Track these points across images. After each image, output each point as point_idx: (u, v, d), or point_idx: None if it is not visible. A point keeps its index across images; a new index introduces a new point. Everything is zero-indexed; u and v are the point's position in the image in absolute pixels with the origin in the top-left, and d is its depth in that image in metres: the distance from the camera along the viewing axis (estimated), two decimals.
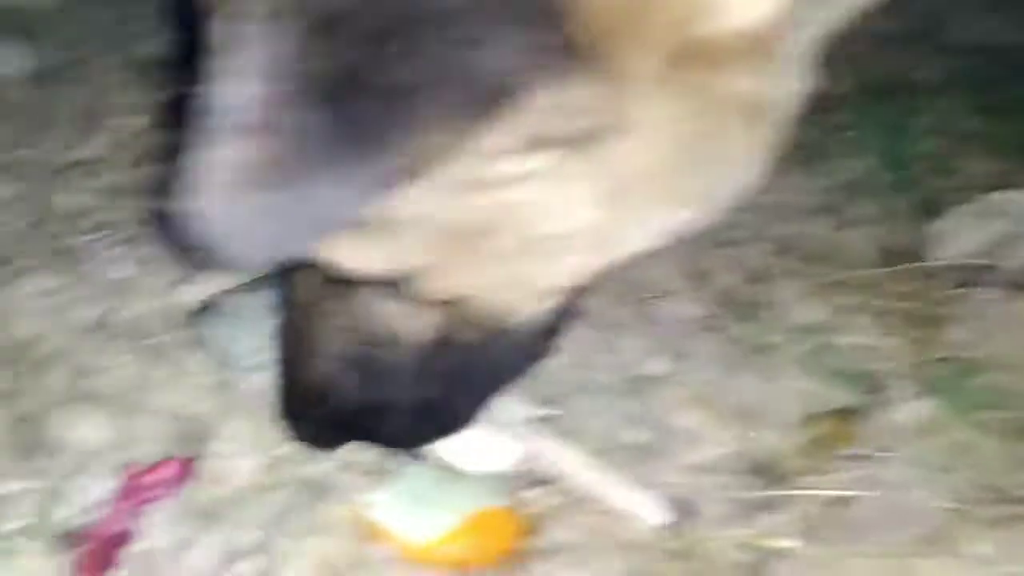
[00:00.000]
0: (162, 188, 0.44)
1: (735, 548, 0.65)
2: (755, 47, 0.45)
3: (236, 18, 0.36)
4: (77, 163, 1.02)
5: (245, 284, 0.82)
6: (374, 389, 0.62)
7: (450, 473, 0.66)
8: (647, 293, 0.87)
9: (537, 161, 0.44)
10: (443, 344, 0.58)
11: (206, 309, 0.82)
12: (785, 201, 1.01)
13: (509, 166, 0.44)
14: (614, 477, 0.68)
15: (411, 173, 0.39)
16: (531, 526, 0.65)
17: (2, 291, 0.83)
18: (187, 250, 0.39)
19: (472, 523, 0.62)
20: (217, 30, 0.37)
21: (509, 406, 0.69)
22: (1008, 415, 0.75)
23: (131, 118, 1.07)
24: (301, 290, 0.62)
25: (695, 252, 0.90)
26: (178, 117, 0.44)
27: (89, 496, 0.65)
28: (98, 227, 0.93)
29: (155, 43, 1.15)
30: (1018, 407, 0.75)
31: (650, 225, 0.51)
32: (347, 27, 0.36)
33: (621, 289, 0.85)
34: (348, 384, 0.61)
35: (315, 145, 0.36)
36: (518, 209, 0.47)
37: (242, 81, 0.35)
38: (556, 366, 0.71)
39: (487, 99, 0.38)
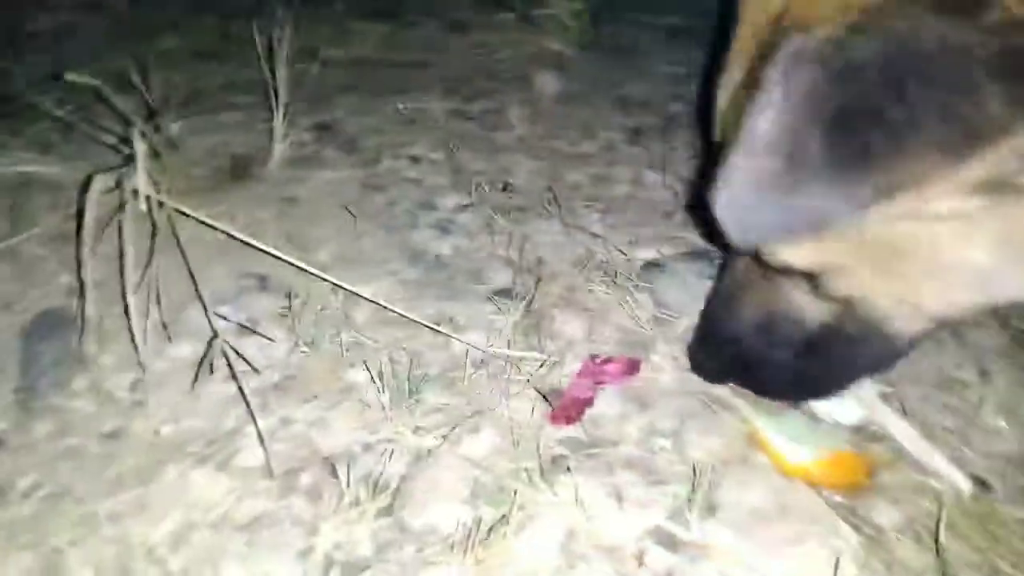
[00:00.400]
0: (704, 180, 0.65)
1: (1009, 520, 0.78)
2: None
3: (771, 61, 0.53)
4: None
5: (685, 254, 1.11)
6: (769, 351, 0.83)
7: (814, 420, 0.87)
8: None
9: (973, 203, 0.54)
10: (832, 330, 0.75)
11: (655, 265, 1.13)
12: None
13: (951, 205, 0.54)
14: (929, 447, 0.84)
15: (894, 194, 0.51)
16: (869, 469, 0.83)
17: (520, 227, 1.24)
18: (713, 227, 0.59)
19: (833, 458, 0.82)
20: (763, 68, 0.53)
21: (867, 382, 0.88)
22: None
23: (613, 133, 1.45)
24: (736, 267, 0.86)
25: None
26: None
27: (565, 371, 0.99)
28: (587, 197, 1.32)
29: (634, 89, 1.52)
30: None
31: None
32: (866, 73, 0.49)
33: None
34: (749, 342, 0.83)
35: (824, 163, 0.50)
36: (933, 240, 0.58)
37: (774, 112, 0.52)
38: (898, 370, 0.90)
39: (973, 137, 0.49)
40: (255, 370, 0.93)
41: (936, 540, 0.76)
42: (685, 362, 0.97)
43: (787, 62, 0.53)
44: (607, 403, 0.94)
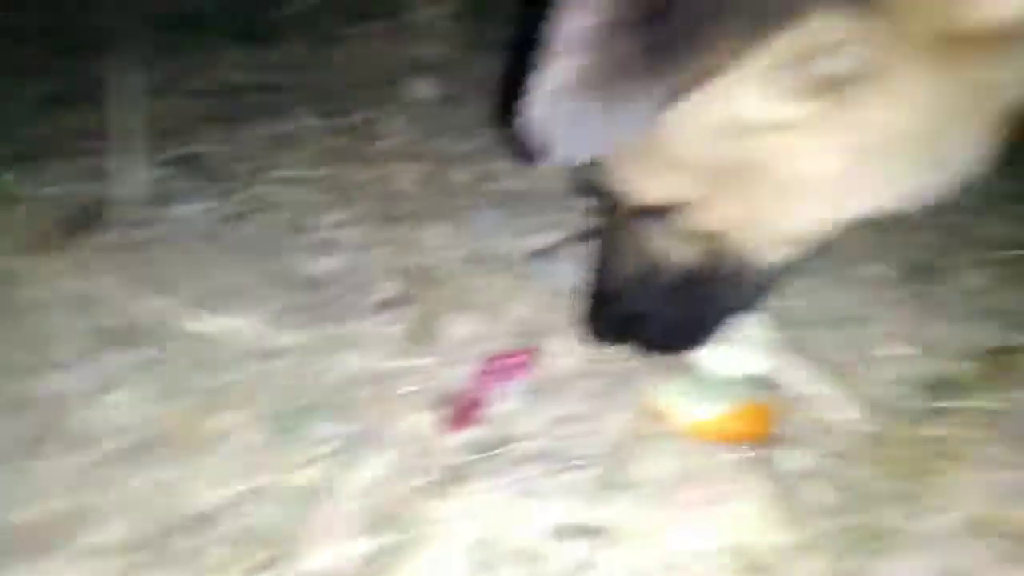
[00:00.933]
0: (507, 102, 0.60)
1: (917, 441, 0.79)
2: (1007, 40, 0.52)
3: None
4: None
5: (576, 237, 1.09)
6: (647, 302, 0.80)
7: (717, 376, 0.84)
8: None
9: (802, 107, 0.54)
10: (700, 271, 0.75)
11: (546, 252, 1.10)
12: None
13: (774, 110, 0.54)
14: (828, 386, 0.84)
15: (694, 88, 0.50)
16: (772, 417, 0.81)
17: (408, 232, 1.19)
18: (527, 146, 0.54)
19: (736, 412, 0.79)
20: None
21: (761, 329, 0.87)
22: None
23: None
24: (606, 229, 0.83)
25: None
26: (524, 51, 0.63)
27: (460, 373, 0.94)
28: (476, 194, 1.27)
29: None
30: None
31: (889, 187, 0.60)
32: None
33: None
34: (630, 296, 0.81)
35: (624, 63, 0.49)
36: (778, 153, 0.58)
37: (577, 14, 0.50)
38: (791, 303, 0.94)
39: (768, 22, 0.48)
40: (107, 434, 0.84)
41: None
42: (586, 344, 0.93)
43: None
44: (510, 399, 0.89)
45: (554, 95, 0.52)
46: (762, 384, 0.86)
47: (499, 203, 1.26)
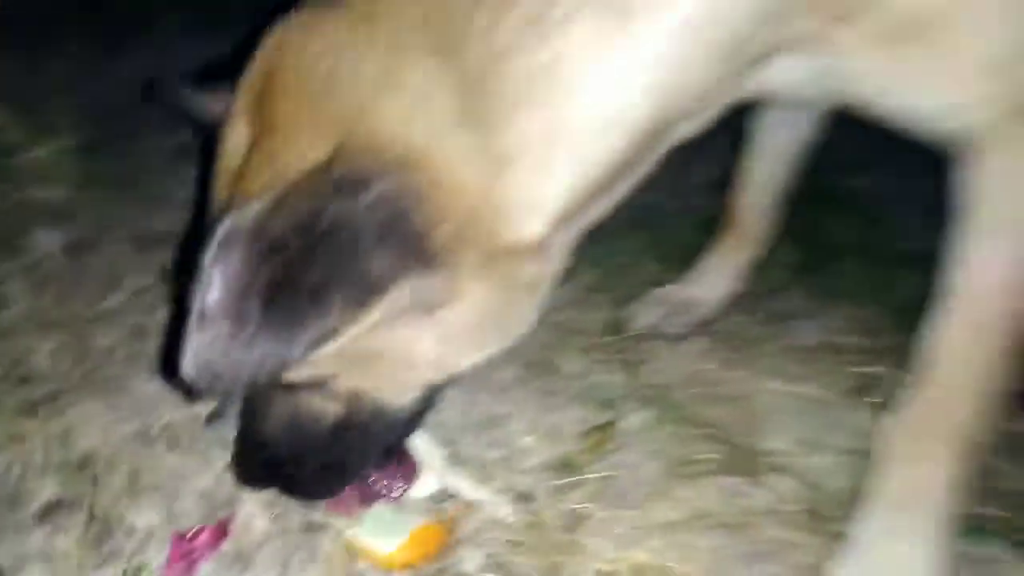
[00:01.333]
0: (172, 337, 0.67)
1: (554, 518, 1.01)
2: (537, 247, 0.74)
3: (209, 242, 0.62)
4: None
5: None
6: (297, 451, 0.90)
7: (392, 509, 0.98)
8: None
9: (408, 323, 0.73)
10: (345, 421, 0.87)
11: (215, 416, 1.13)
12: None
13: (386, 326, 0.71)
14: (485, 487, 1.03)
15: (324, 340, 0.65)
16: (449, 526, 0.98)
17: (59, 418, 1.13)
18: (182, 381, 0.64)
19: (414, 537, 0.93)
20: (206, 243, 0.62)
21: (428, 448, 1.04)
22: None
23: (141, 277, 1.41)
24: (256, 391, 0.91)
25: None
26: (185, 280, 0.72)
27: (156, 562, 0.94)
28: (129, 358, 1.24)
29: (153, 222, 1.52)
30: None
31: (470, 356, 0.82)
32: (285, 248, 0.61)
33: None
34: (279, 447, 0.90)
35: (266, 325, 0.61)
36: (392, 346, 0.76)
37: (219, 286, 0.61)
38: (444, 416, 1.10)
39: (371, 292, 0.65)
40: None
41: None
42: (277, 502, 0.99)
43: (223, 242, 0.63)
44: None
45: (207, 352, 0.63)
46: (442, 499, 1.01)
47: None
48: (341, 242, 0.63)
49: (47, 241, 1.57)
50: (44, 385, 1.20)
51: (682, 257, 1.48)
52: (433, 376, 0.83)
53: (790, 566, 0.96)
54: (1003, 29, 0.72)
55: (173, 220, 1.64)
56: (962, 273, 0.85)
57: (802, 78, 0.81)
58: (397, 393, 0.85)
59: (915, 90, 0.77)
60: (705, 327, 1.41)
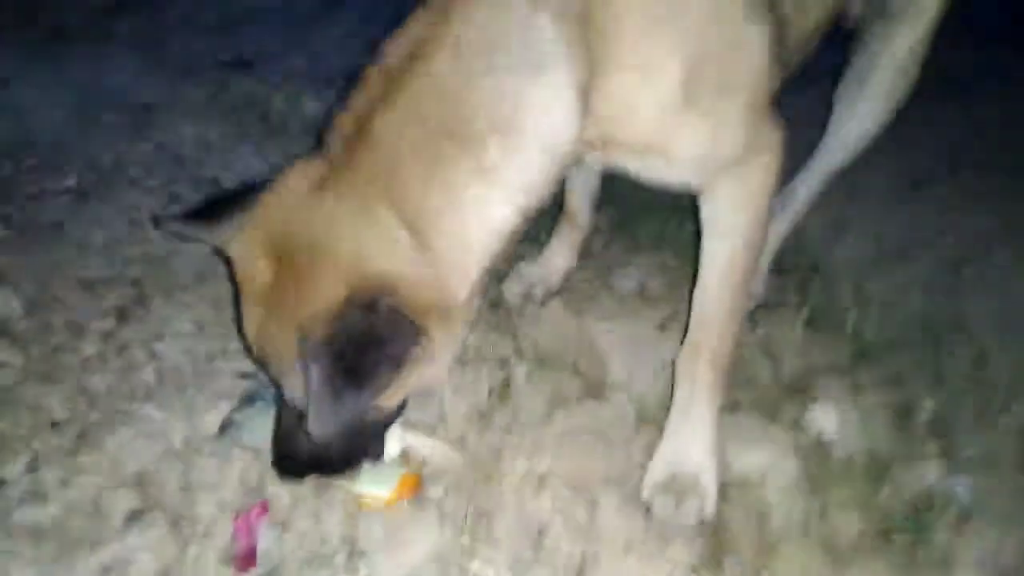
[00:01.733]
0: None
1: (486, 448, 1.55)
2: (468, 300, 1.22)
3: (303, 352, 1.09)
4: None
5: (249, 407, 1.55)
6: (338, 447, 1.37)
7: (382, 464, 1.46)
8: None
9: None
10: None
11: (228, 424, 1.54)
12: None
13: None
14: (429, 442, 1.54)
15: (381, 393, 1.13)
16: (419, 471, 1.50)
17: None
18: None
19: (401, 482, 1.44)
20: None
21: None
22: None
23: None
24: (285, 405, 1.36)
25: None
26: None
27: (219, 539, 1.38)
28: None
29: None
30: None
31: (443, 373, 1.30)
32: (346, 351, 1.07)
33: None
34: (326, 447, 1.37)
35: (348, 394, 1.07)
36: (409, 380, 1.21)
37: (317, 379, 1.05)
38: None
39: (399, 363, 1.13)
40: None
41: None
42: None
43: (312, 355, 1.08)
44: (267, 534, 1.39)
45: (324, 420, 1.09)
46: (406, 456, 1.51)
47: (156, 393, 1.62)
48: (376, 339, 1.11)
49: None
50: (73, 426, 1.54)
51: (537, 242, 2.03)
52: (420, 389, 1.33)
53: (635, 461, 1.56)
54: (702, 144, 1.26)
55: (108, 264, 1.93)
56: (707, 258, 1.44)
57: (594, 162, 1.35)
58: (397, 401, 1.34)
59: (658, 173, 1.32)
60: (559, 292, 1.97)
